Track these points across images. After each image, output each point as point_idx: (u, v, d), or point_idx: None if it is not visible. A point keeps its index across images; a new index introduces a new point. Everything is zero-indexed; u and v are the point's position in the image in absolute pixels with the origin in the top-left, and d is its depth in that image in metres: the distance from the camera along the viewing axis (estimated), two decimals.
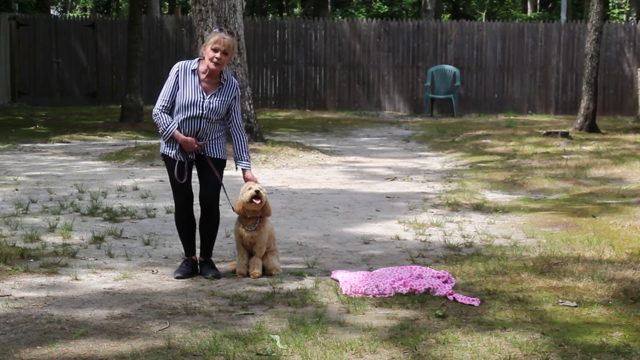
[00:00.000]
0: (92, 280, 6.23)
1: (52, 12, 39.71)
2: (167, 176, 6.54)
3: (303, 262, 6.83)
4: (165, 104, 6.29)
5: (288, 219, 8.70)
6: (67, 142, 16.08)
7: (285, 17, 31.18)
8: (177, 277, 6.31)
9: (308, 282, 6.22)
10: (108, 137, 17.00)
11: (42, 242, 7.37)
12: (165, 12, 39.13)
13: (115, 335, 4.98)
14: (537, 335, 4.98)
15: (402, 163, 13.57)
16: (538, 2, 41.44)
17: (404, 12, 35.60)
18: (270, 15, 40.52)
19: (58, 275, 6.30)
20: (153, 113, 6.35)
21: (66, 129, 17.88)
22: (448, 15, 37.71)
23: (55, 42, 23.49)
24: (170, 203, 9.30)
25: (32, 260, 6.69)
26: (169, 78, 6.33)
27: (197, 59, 6.39)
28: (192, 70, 6.30)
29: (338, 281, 6.16)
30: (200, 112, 6.25)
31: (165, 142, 6.39)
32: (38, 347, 4.76)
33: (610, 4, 36.18)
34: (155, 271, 6.52)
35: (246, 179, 6.40)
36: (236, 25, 13.90)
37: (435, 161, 13.95)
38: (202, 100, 6.25)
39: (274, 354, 4.65)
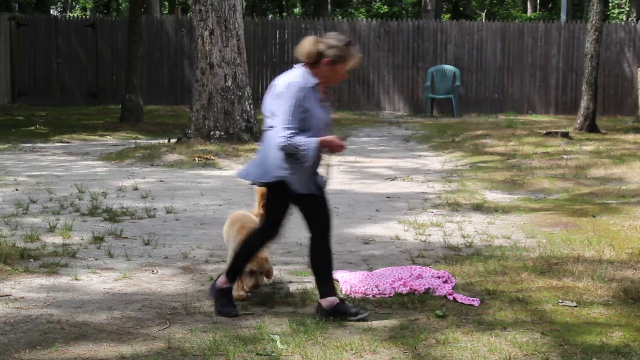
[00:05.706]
0: (92, 280, 6.23)
1: (52, 12, 39.71)
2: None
3: (303, 262, 6.83)
4: (296, 132, 5.26)
5: (288, 219, 8.67)
6: (67, 142, 16.08)
7: (285, 17, 31.20)
8: (233, 315, 5.45)
9: (308, 282, 6.22)
10: (108, 137, 17.00)
11: (42, 242, 7.37)
12: (165, 12, 39.12)
13: (115, 335, 4.98)
14: (537, 335, 4.98)
15: (402, 163, 13.57)
16: (538, 2, 41.45)
17: (404, 12, 35.62)
18: (270, 15, 40.53)
19: (58, 276, 6.30)
20: (282, 144, 5.23)
21: (66, 129, 17.87)
22: (448, 16, 37.70)
23: (55, 42, 23.48)
24: (170, 203, 9.32)
25: (32, 260, 6.69)
26: (293, 101, 5.29)
27: (306, 71, 5.43)
28: (311, 87, 5.36)
29: (338, 281, 6.16)
30: (328, 127, 5.50)
31: (296, 174, 5.37)
32: (38, 347, 4.76)
33: (610, 4, 36.19)
34: (155, 271, 6.52)
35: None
36: (236, 25, 13.90)
37: (435, 161, 13.94)
38: (327, 115, 5.48)
39: (274, 354, 4.65)
